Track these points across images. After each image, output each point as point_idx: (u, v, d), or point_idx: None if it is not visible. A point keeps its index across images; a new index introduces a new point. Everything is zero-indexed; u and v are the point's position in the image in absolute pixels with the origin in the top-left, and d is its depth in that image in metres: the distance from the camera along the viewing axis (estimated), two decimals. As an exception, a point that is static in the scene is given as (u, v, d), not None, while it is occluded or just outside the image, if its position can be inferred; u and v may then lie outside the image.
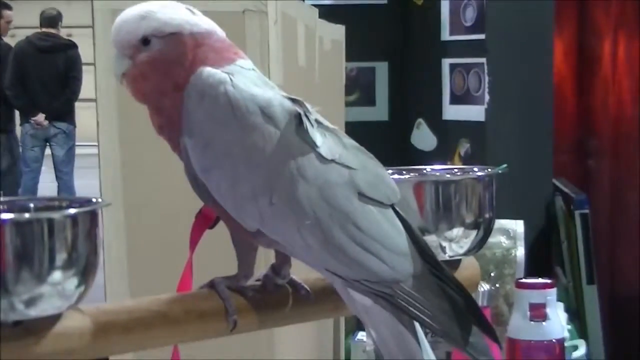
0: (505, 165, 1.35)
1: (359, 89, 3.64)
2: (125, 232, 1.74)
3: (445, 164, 3.40)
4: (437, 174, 1.40)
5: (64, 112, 7.03)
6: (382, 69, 3.66)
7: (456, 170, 1.42)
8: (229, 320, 1.13)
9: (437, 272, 1.11)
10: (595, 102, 4.02)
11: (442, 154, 3.49)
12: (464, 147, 3.44)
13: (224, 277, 1.16)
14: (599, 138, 4.03)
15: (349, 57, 3.01)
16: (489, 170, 1.35)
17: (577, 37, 4.01)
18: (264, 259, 1.24)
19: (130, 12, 1.15)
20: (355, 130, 2.95)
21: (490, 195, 1.34)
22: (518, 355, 1.97)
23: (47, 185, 7.42)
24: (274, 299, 1.18)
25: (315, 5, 2.84)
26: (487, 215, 1.34)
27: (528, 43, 3.35)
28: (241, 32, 1.78)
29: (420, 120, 3.58)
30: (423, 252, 1.12)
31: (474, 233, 1.32)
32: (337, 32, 2.79)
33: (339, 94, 2.86)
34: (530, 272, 2.52)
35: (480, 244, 1.34)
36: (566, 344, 2.40)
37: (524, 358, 1.95)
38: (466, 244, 1.32)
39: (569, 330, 2.63)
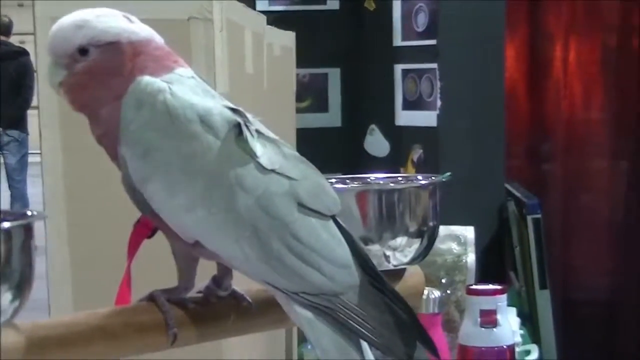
0: (449, 174, 1.34)
1: (311, 95, 3.64)
2: (68, 242, 1.71)
3: (398, 171, 3.41)
4: (381, 182, 1.39)
5: (16, 120, 6.98)
6: (334, 75, 3.65)
7: (400, 178, 1.41)
8: (169, 333, 1.11)
9: (378, 284, 1.10)
10: (547, 106, 4.04)
11: (395, 160, 3.49)
12: (417, 152, 3.44)
13: (163, 289, 1.15)
14: (552, 142, 4.05)
15: (301, 64, 3.00)
16: (433, 178, 1.34)
17: (529, 41, 4.03)
18: (209, 270, 1.22)
19: (67, 20, 1.13)
20: (307, 136, 2.97)
21: (434, 203, 1.33)
22: (469, 362, 1.96)
23: (-1, 195, 7.36)
24: (216, 311, 1.16)
25: (266, 12, 2.83)
26: (431, 224, 1.33)
27: (480, 48, 3.36)
28: (186, 40, 1.76)
29: (373, 126, 3.58)
30: (364, 264, 1.11)
31: (418, 242, 1.31)
32: (287, 38, 2.78)
33: (289, 100, 2.85)
34: (483, 277, 2.52)
35: (424, 252, 1.33)
36: (518, 348, 2.41)
37: (475, 364, 1.95)
38: (410, 252, 1.31)
39: (521, 335, 2.63)
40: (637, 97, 4.01)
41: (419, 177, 1.36)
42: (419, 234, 1.32)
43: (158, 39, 1.17)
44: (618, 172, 4.09)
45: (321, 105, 3.64)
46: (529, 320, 3.03)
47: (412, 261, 1.33)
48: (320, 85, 3.64)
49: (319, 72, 3.63)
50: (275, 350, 2.19)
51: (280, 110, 2.59)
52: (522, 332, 2.68)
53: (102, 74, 1.12)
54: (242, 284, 1.18)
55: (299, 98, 3.32)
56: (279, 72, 2.59)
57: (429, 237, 1.33)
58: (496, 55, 3.41)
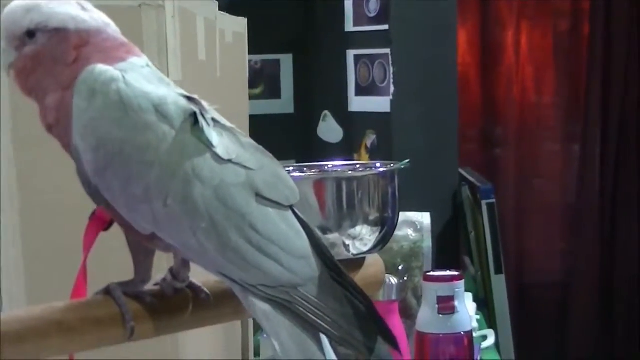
0: (407, 161, 1.33)
1: (263, 81, 3.61)
2: (22, 235, 1.68)
3: (352, 156, 3.40)
4: (339, 170, 1.37)
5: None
6: (286, 61, 3.63)
7: (358, 166, 1.40)
8: (126, 327, 1.09)
9: (337, 276, 1.08)
10: (500, 91, 4.06)
11: (348, 146, 3.48)
12: (370, 138, 3.43)
13: (120, 282, 1.12)
14: (504, 127, 4.07)
15: (253, 50, 2.97)
16: (392, 165, 1.33)
17: (481, 26, 4.04)
18: (167, 262, 1.20)
19: (18, 3, 1.11)
20: (260, 123, 2.94)
21: (393, 190, 1.32)
22: (427, 349, 1.96)
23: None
24: (173, 304, 1.14)
25: (217, -2, 2.80)
26: (390, 211, 1.32)
27: (432, 33, 3.35)
28: (138, 27, 1.72)
29: (326, 112, 3.56)
30: (323, 255, 1.09)
31: (377, 230, 1.30)
32: (239, 24, 2.74)
33: (242, 87, 2.82)
34: (438, 263, 2.52)
35: (384, 240, 1.32)
36: (475, 334, 2.41)
37: (433, 351, 1.94)
38: (370, 241, 1.30)
39: (477, 320, 2.64)
40: (587, 81, 4.04)
41: (378, 165, 1.35)
42: (378, 222, 1.30)
43: (112, 29, 1.15)
44: (570, 156, 4.13)
45: (274, 92, 3.62)
46: (484, 305, 3.04)
47: (372, 250, 1.32)
48: (272, 72, 3.62)
49: (271, 58, 3.61)
50: (231, 346, 2.17)
51: (233, 97, 2.57)
52: (478, 317, 2.68)
53: (48, 60, 1.10)
54: (200, 275, 1.16)
55: (252, 85, 3.29)
56: (231, 59, 2.57)
57: (389, 225, 1.32)
58: (448, 40, 3.41)
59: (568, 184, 4.12)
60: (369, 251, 1.31)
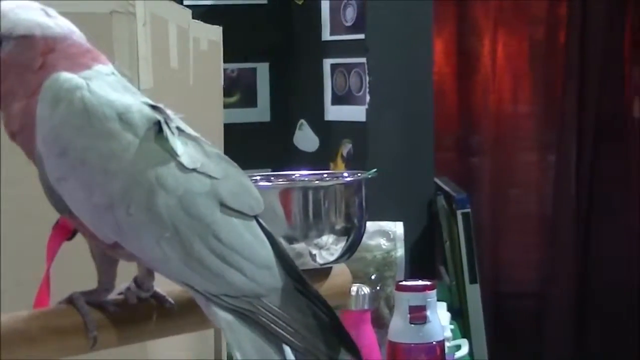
0: (375, 170, 1.33)
1: (240, 90, 3.61)
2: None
3: (328, 165, 3.40)
4: (305, 179, 1.37)
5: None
6: (263, 70, 3.63)
7: (325, 175, 1.39)
8: (89, 336, 1.08)
9: (301, 287, 1.08)
10: (476, 100, 4.06)
11: (325, 155, 3.48)
12: (346, 147, 3.44)
13: (83, 291, 1.11)
14: (480, 136, 4.08)
15: (230, 59, 2.97)
16: (359, 175, 1.32)
17: (457, 35, 4.05)
18: (133, 271, 1.20)
19: None
20: (236, 131, 2.94)
21: (360, 200, 1.32)
22: (399, 358, 1.95)
23: None
24: (137, 313, 1.13)
25: (193, 6, 2.79)
26: (357, 221, 1.31)
27: (408, 43, 3.36)
28: (108, 35, 1.72)
29: (302, 121, 3.56)
30: (287, 266, 1.08)
31: (344, 239, 1.29)
32: (213, 32, 2.74)
33: (216, 95, 2.81)
34: (413, 272, 2.51)
35: (351, 250, 1.31)
36: (449, 343, 2.40)
37: (405, 361, 1.94)
38: (337, 250, 1.29)
39: (452, 330, 2.63)
40: (563, 90, 4.05)
41: (345, 174, 1.34)
42: (345, 232, 1.30)
43: (77, 36, 1.14)
44: (546, 166, 4.13)
45: (250, 100, 3.62)
46: (459, 314, 3.04)
47: (339, 259, 1.31)
48: (249, 80, 3.62)
49: (248, 66, 3.61)
50: (204, 342, 2.16)
51: (207, 105, 2.56)
52: (452, 326, 2.68)
53: (15, 67, 1.09)
54: (165, 284, 1.16)
55: (228, 93, 3.29)
56: (205, 67, 2.56)
57: (355, 234, 1.31)
58: (424, 49, 3.42)
59: (544, 194, 4.13)
60: (336, 261, 1.31)
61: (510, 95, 4.11)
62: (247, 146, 3.25)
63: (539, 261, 4.12)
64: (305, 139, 3.56)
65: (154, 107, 1.10)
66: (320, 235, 1.28)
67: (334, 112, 3.48)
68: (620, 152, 4.02)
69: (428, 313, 1.93)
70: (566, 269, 4.03)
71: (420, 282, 1.98)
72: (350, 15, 3.42)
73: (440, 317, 2.19)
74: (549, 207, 4.10)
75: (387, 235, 2.28)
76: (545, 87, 4.11)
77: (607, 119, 4.03)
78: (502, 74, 4.08)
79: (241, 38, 3.32)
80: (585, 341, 4.06)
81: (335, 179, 1.34)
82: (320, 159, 3.44)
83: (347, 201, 1.29)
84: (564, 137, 4.04)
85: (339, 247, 1.30)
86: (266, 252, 1.08)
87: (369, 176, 1.32)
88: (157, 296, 1.16)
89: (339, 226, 1.29)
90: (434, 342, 1.93)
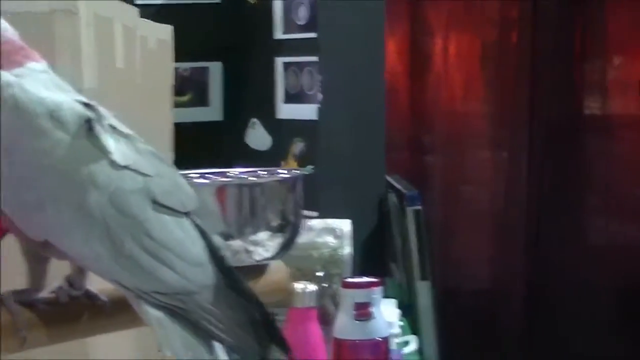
0: (311, 167, 1.34)
1: (192, 89, 3.60)
2: None
3: (280, 164, 3.40)
4: (241, 176, 1.37)
5: None
6: (215, 69, 3.62)
7: (261, 172, 1.40)
8: (19, 336, 1.08)
9: (234, 284, 1.08)
10: (428, 99, 4.08)
11: (277, 153, 3.48)
12: (298, 146, 3.44)
13: (13, 290, 1.11)
14: (432, 134, 4.09)
15: (182, 58, 2.96)
16: (294, 171, 1.33)
17: (410, 34, 4.06)
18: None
19: None
20: (189, 131, 2.94)
21: (296, 197, 1.32)
22: (344, 355, 1.96)
23: None
24: (68, 312, 1.13)
25: (145, 5, 2.79)
26: (293, 218, 1.32)
27: (360, 41, 3.37)
28: (50, 34, 1.71)
29: (254, 119, 3.56)
30: (220, 263, 1.09)
31: (280, 236, 1.30)
32: (163, 31, 2.73)
33: (166, 94, 2.80)
34: (364, 270, 2.52)
35: (287, 246, 1.32)
36: (398, 340, 2.42)
37: (350, 357, 1.95)
38: (273, 247, 1.30)
39: (401, 327, 2.65)
40: (515, 89, 4.08)
41: (280, 171, 1.35)
42: (281, 228, 1.30)
43: (10, 33, 1.14)
44: (497, 164, 4.16)
45: (202, 99, 3.61)
46: (409, 311, 3.05)
47: (275, 256, 1.32)
48: (201, 79, 3.61)
49: (200, 65, 3.60)
50: (147, 349, 2.16)
51: (155, 104, 2.55)
52: (402, 323, 2.69)
53: None
54: (98, 283, 1.15)
55: (180, 92, 3.28)
56: (154, 66, 2.55)
57: (291, 231, 1.32)
58: (377, 48, 3.42)
59: (495, 191, 4.15)
60: (273, 257, 1.31)
61: (463, 94, 4.13)
62: (199, 145, 3.25)
63: (490, 258, 4.15)
64: (258, 137, 3.55)
65: (86, 105, 1.10)
66: (255, 232, 1.28)
67: (286, 111, 3.48)
68: (570, 150, 4.05)
69: (373, 309, 1.94)
70: (516, 266, 4.06)
71: (366, 279, 1.99)
72: (302, 14, 3.43)
73: (388, 314, 2.21)
74: (501, 205, 4.13)
75: (334, 233, 2.29)
76: (497, 86, 4.13)
77: (558, 117, 4.06)
78: (454, 73, 4.10)
79: (194, 37, 3.31)
80: (535, 338, 4.08)
81: (270, 175, 1.35)
82: (272, 158, 3.44)
83: (282, 198, 1.30)
84: (516, 136, 4.07)
85: (274, 244, 1.30)
86: (198, 249, 1.08)
87: (306, 172, 1.33)
88: (89, 294, 1.15)
89: (274, 223, 1.29)
90: (379, 339, 1.94)
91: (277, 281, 1.32)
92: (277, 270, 1.34)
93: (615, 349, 3.90)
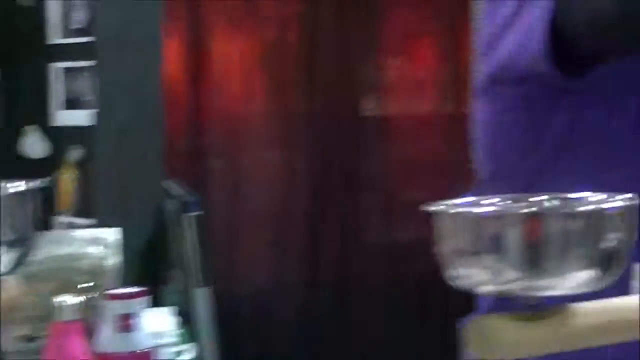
0: (50, 179, 1.29)
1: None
2: None
3: (57, 172, 3.32)
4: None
5: None
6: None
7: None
8: None
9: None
10: (208, 101, 4.05)
11: (54, 161, 3.40)
12: (76, 152, 3.37)
13: None
14: (212, 137, 4.06)
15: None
16: (30, 184, 1.28)
17: (189, 37, 4.02)
18: None
19: None
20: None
21: (33, 210, 1.27)
22: (107, 368, 1.92)
23: None
24: None
25: None
26: (27, 232, 1.27)
27: (138, 45, 3.33)
28: None
29: (28, 127, 3.47)
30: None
31: (14, 251, 1.25)
32: None
33: None
34: (141, 279, 2.47)
35: (20, 261, 1.27)
36: (174, 349, 2.38)
37: (112, 371, 1.90)
38: (8, 262, 1.25)
39: (180, 335, 2.61)
40: (295, 89, 4.10)
41: (17, 184, 1.30)
42: (16, 243, 1.25)
43: None
44: (278, 165, 4.17)
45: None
46: (189, 319, 3.02)
47: (11, 271, 1.27)
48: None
49: (-29, 72, 3.48)
50: None
51: None
52: (181, 332, 2.66)
53: None
54: None
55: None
56: None
57: (25, 245, 1.27)
58: (154, 51, 3.39)
59: (275, 192, 4.15)
60: (7, 273, 1.26)
61: (243, 95, 4.11)
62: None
63: (269, 261, 4.14)
64: (33, 145, 3.46)
65: None
66: (-15, 248, 1.23)
67: (63, 117, 3.41)
68: (349, 149, 4.11)
69: (134, 321, 1.90)
70: (294, 267, 4.07)
71: (129, 290, 1.95)
72: (78, 17, 3.36)
73: (159, 324, 2.16)
74: (280, 206, 4.13)
75: (100, 243, 2.23)
76: (277, 87, 4.14)
77: (336, 117, 4.11)
78: (235, 74, 4.08)
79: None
80: (312, 337, 4.11)
81: (5, 189, 1.29)
82: (49, 166, 3.36)
83: (17, 211, 1.25)
84: (294, 136, 4.09)
85: (9, 258, 1.25)
86: None
87: (42, 186, 1.28)
88: None
89: (6, 237, 1.24)
90: (138, 351, 1.90)
91: (14, 297, 1.27)
92: (13, 286, 1.29)
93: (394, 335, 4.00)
